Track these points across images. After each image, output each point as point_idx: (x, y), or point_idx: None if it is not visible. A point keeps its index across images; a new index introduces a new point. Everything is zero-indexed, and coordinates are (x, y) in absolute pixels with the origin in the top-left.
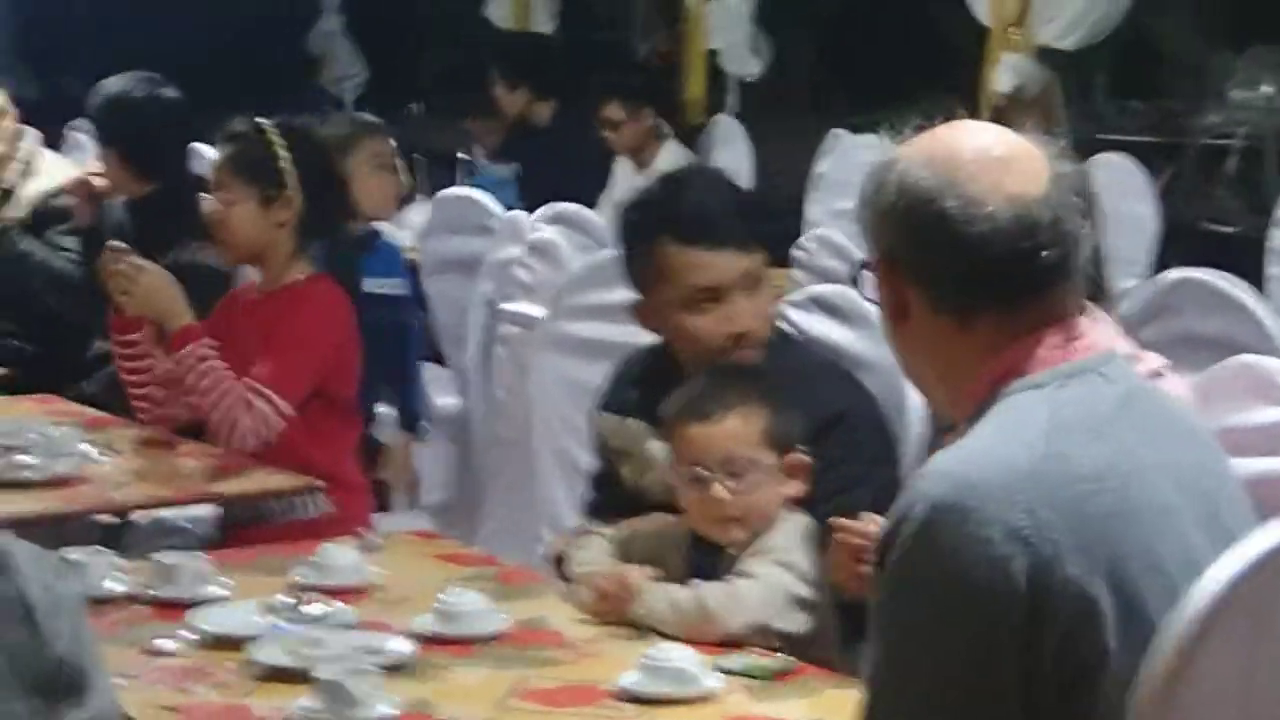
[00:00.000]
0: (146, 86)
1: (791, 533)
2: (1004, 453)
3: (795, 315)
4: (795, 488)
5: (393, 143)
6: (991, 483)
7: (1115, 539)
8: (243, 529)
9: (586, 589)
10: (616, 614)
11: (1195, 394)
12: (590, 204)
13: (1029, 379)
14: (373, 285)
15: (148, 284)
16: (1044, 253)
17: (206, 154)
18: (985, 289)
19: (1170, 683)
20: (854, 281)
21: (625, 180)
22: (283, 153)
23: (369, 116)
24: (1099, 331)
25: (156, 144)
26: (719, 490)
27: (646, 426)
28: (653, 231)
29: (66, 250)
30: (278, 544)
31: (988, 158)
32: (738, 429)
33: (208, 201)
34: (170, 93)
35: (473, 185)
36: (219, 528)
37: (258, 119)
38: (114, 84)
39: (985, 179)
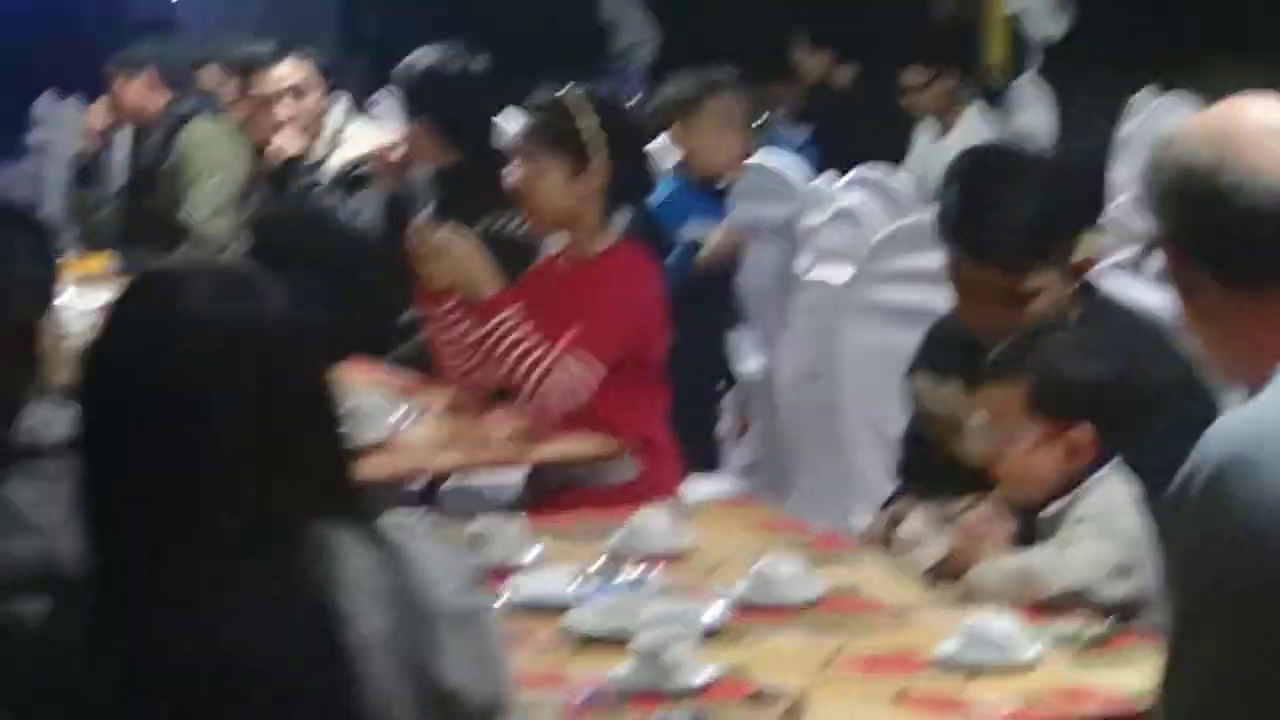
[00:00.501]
0: (458, 60)
1: (1115, 497)
2: None
3: (1110, 280)
4: (1083, 455)
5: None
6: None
7: None
8: (550, 493)
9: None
10: (966, 561)
11: None
12: (890, 168)
13: None
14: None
15: (458, 254)
16: None
17: (507, 126)
18: (1272, 262)
19: None
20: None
21: (926, 145)
22: (589, 122)
23: (720, 73)
24: None
25: (466, 116)
26: (997, 445)
27: (962, 390)
28: (942, 237)
29: (367, 216)
30: (590, 509)
31: (1267, 130)
32: (1013, 392)
33: (513, 171)
34: (479, 65)
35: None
36: (525, 492)
37: (561, 89)
38: (425, 56)
39: (1264, 153)
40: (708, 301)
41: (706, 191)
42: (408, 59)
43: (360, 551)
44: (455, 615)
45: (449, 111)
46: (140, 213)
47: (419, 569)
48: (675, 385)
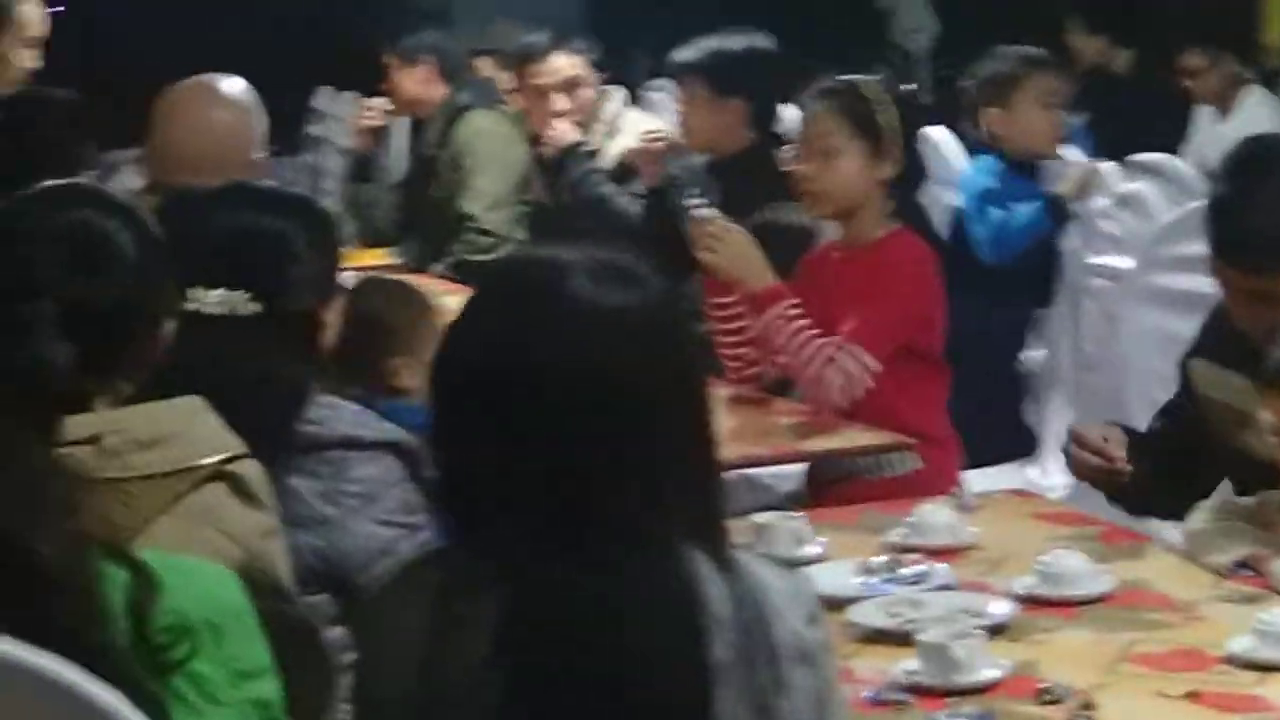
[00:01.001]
0: (765, 43)
1: None
2: None
3: None
4: None
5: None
6: None
7: None
8: (830, 486)
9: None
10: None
11: None
12: (1169, 154)
13: None
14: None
15: (733, 246)
16: None
17: (785, 113)
18: None
19: None
20: None
21: (1208, 129)
22: (887, 111)
23: (1037, 51)
24: None
25: (773, 98)
26: None
27: (1248, 381)
28: (1207, 237)
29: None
30: (871, 502)
31: None
32: None
33: (804, 157)
34: (773, 50)
35: None
36: (806, 485)
37: (854, 76)
38: (733, 39)
39: None
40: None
41: (1022, 173)
42: (708, 42)
43: (714, 578)
44: (800, 653)
45: (762, 93)
46: (419, 204)
47: (767, 601)
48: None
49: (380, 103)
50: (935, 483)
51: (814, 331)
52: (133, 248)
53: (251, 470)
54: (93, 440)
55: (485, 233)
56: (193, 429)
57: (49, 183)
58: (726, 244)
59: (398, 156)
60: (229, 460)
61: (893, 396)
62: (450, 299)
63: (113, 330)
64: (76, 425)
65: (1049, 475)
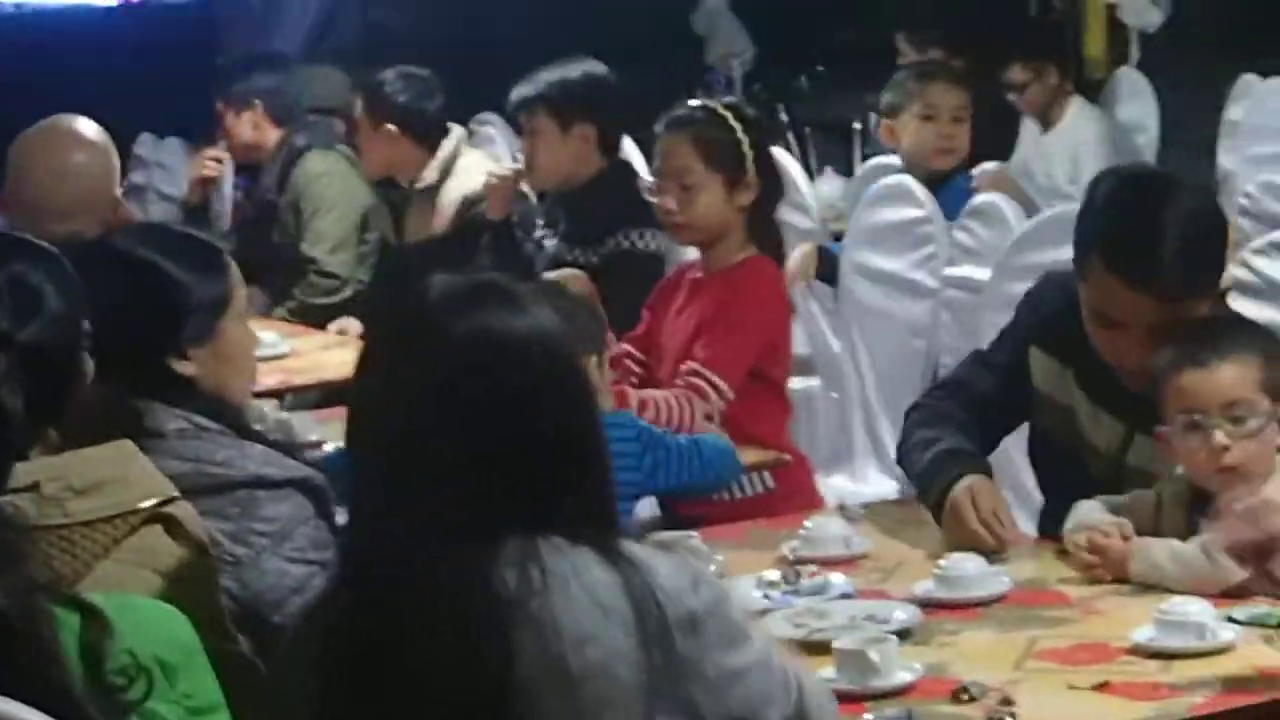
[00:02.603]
0: (598, 68)
1: None
2: None
3: (1259, 263)
4: None
5: (783, 116)
6: None
7: None
8: (685, 508)
9: (1082, 547)
10: (1115, 571)
11: None
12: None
13: None
14: None
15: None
16: None
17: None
18: None
19: None
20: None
21: (1031, 140)
22: (742, 135)
23: (932, 64)
24: None
25: (622, 124)
26: (1220, 437)
27: (1075, 376)
28: (1089, 243)
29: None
30: (730, 521)
31: None
32: (1237, 374)
33: (665, 186)
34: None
35: (870, 154)
36: (661, 507)
37: (707, 102)
38: (573, 66)
39: None
40: None
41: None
42: (547, 74)
43: (605, 571)
44: (689, 623)
45: (607, 117)
46: (259, 250)
47: (656, 584)
48: None
49: (216, 152)
50: (795, 499)
51: (672, 395)
52: (60, 294)
53: (186, 512)
54: (32, 488)
55: (327, 275)
56: (129, 473)
57: None
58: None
59: (228, 203)
60: (165, 503)
61: (746, 420)
62: (297, 342)
63: (54, 376)
64: (16, 473)
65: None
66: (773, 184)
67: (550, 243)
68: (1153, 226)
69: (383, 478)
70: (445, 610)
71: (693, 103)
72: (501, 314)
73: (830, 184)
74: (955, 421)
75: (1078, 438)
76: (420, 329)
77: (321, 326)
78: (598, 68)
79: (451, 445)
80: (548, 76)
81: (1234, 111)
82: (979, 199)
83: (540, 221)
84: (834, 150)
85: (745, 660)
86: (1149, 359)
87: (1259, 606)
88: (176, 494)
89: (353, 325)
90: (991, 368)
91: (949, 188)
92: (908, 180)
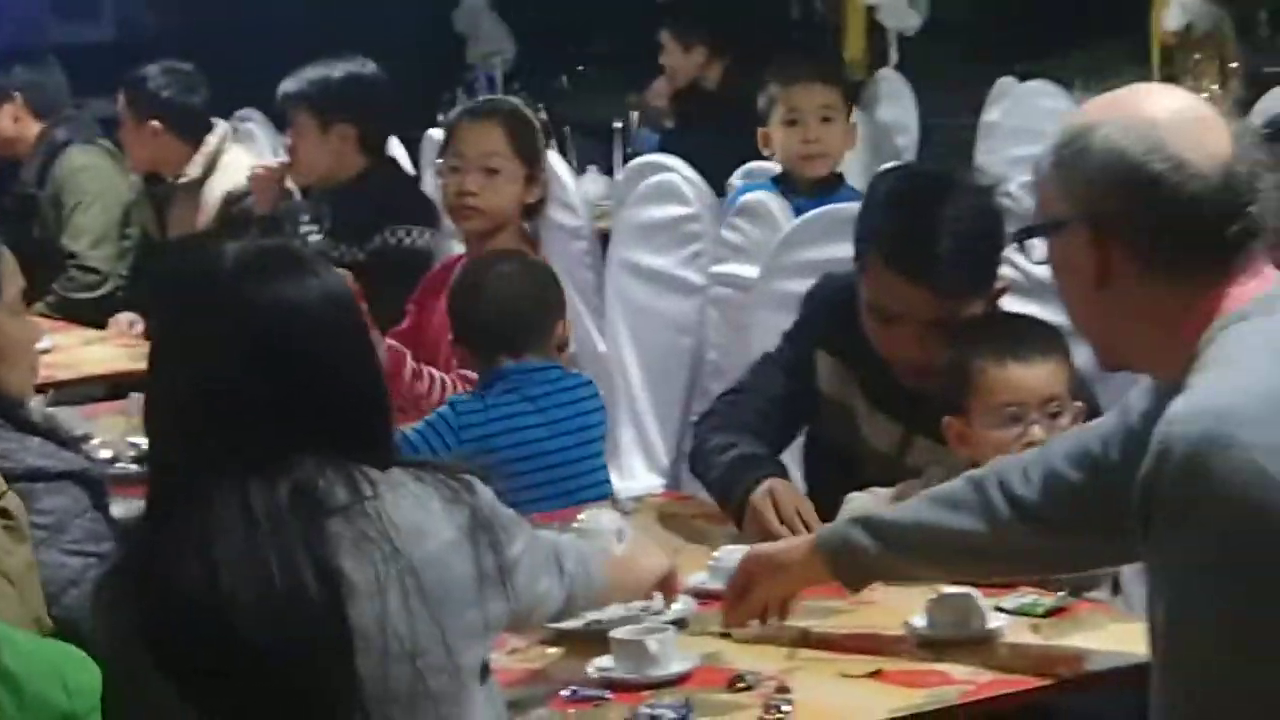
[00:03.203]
0: (368, 66)
1: None
2: (1239, 380)
3: (1021, 260)
4: None
5: (543, 115)
6: (1241, 408)
7: None
8: None
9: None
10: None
11: None
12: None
13: (1233, 314)
14: None
15: None
16: (1249, 208)
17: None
18: (1200, 247)
19: None
20: (1020, 247)
21: None
22: (539, 133)
23: (797, 66)
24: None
25: (385, 122)
26: (1038, 431)
27: (857, 379)
28: (869, 239)
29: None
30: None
31: (1183, 120)
32: (1055, 372)
33: (466, 169)
34: (377, 74)
35: (632, 153)
36: None
37: (512, 98)
38: (337, 65)
39: (1186, 140)
40: None
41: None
42: (311, 71)
43: (411, 482)
44: (487, 514)
45: (369, 117)
46: (19, 244)
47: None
48: None
49: None
50: None
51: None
52: None
53: (15, 504)
54: None
55: (88, 269)
56: None
57: None
58: None
59: None
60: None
61: None
62: (59, 338)
63: None
64: None
65: (634, 478)
66: (544, 185)
67: (315, 239)
68: (931, 224)
69: (182, 434)
70: (266, 534)
71: (495, 98)
72: (294, 276)
73: (594, 183)
74: (749, 427)
75: (857, 439)
76: (218, 293)
77: (82, 321)
78: (365, 67)
79: (250, 390)
80: (311, 74)
81: (992, 113)
82: (746, 196)
83: (305, 217)
84: (595, 150)
85: (522, 545)
86: (924, 355)
87: (1026, 596)
88: (4, 487)
89: (124, 320)
90: (781, 370)
91: (836, 199)
92: (675, 178)
